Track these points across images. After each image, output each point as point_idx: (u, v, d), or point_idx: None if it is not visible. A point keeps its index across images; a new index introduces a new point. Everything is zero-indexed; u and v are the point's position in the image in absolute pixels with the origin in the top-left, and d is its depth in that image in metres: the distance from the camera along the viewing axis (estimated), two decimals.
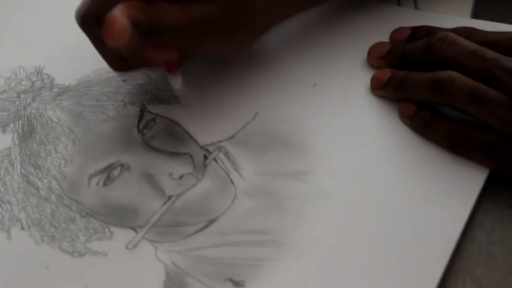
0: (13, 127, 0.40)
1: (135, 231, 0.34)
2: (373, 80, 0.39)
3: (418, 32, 0.40)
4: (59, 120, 0.40)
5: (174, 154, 0.37)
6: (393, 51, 0.39)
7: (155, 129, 0.39)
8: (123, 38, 0.31)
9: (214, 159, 0.37)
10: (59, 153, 0.38)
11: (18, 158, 0.38)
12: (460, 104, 0.34)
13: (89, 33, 0.36)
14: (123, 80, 0.42)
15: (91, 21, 0.35)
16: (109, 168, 0.37)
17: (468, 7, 0.44)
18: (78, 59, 0.44)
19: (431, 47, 0.36)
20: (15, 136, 0.40)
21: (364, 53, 0.41)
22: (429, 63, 0.36)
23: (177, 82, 0.38)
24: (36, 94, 0.42)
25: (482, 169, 0.34)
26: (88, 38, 0.36)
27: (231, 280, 0.31)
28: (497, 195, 0.34)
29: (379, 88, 0.39)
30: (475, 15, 0.44)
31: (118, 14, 0.31)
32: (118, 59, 0.36)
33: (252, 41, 0.39)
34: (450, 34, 0.36)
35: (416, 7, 0.44)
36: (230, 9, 0.35)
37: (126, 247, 0.33)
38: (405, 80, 0.37)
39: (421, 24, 0.40)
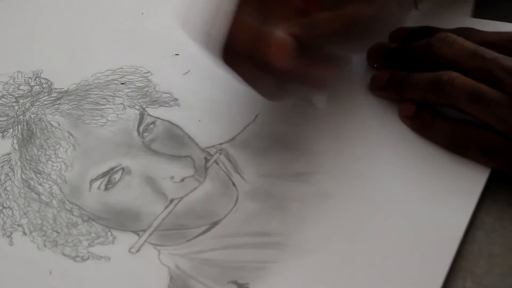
0: (13, 132, 0.40)
1: (138, 235, 0.34)
2: (373, 81, 0.39)
3: (417, 33, 0.40)
4: (58, 125, 0.40)
5: (175, 157, 0.37)
6: (393, 52, 0.39)
7: (155, 132, 0.39)
8: (290, 57, 0.31)
9: (215, 161, 0.37)
10: (59, 157, 0.38)
11: (19, 163, 0.38)
12: (460, 104, 0.34)
13: (241, 69, 0.34)
14: (122, 83, 0.42)
15: (243, 56, 0.33)
16: (110, 172, 0.37)
17: (468, 7, 0.44)
18: (76, 63, 0.44)
19: (431, 47, 0.36)
20: (15, 141, 0.39)
21: (364, 54, 0.41)
22: (429, 63, 0.36)
23: (322, 101, 0.37)
24: (34, 99, 0.42)
25: (483, 169, 0.34)
26: (234, 74, 0.34)
27: (235, 282, 0.31)
28: (498, 194, 0.34)
29: (379, 89, 0.39)
30: (475, 15, 0.44)
31: (283, 34, 0.30)
32: (275, 88, 0.34)
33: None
34: (450, 34, 0.36)
35: (416, 7, 0.44)
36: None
37: (129, 251, 0.33)
38: (405, 80, 0.37)
39: (421, 24, 0.40)
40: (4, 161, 0.38)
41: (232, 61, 0.33)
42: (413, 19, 0.42)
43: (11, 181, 0.37)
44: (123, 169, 0.37)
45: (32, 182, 0.37)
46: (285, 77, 0.33)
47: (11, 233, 0.35)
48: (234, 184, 0.36)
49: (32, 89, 0.43)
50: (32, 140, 0.39)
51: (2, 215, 0.36)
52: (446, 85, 0.34)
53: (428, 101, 0.36)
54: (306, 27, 0.31)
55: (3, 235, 0.35)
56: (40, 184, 0.37)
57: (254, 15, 0.32)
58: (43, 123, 0.40)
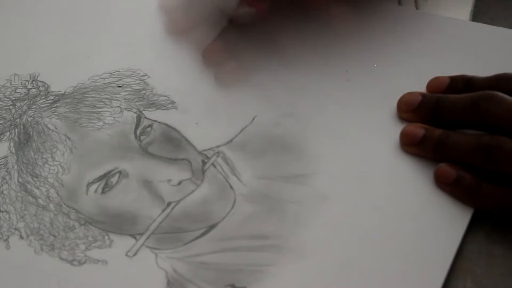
0: (9, 135, 0.40)
1: (135, 238, 0.34)
2: (404, 136, 0.36)
3: (456, 83, 0.37)
4: (55, 128, 0.40)
5: (172, 160, 0.37)
6: (426, 104, 0.37)
7: (153, 135, 0.39)
8: None
9: (213, 164, 0.37)
10: (56, 161, 0.38)
11: (15, 166, 0.38)
12: (510, 169, 0.32)
13: None
14: (119, 86, 0.42)
15: None
16: (107, 175, 0.37)
17: (468, 7, 0.44)
18: (73, 65, 0.44)
19: (477, 107, 0.34)
20: (12, 144, 0.39)
21: (362, 54, 0.41)
22: (468, 121, 0.35)
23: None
24: (31, 102, 0.42)
25: None
26: None
27: (233, 286, 0.31)
28: None
29: (411, 145, 0.36)
30: (475, 15, 0.44)
31: None
32: None
33: None
34: (495, 92, 0.34)
35: (417, 7, 0.44)
36: None
37: (126, 255, 0.33)
38: (445, 141, 0.35)
39: (422, 24, 0.39)
40: (1, 164, 0.38)
41: None
42: (413, 19, 0.42)
43: (8, 185, 0.37)
44: (120, 172, 0.37)
45: (29, 186, 0.37)
46: None
47: (8, 237, 0.35)
48: (231, 187, 0.36)
49: (29, 92, 0.43)
50: (29, 144, 0.39)
51: None
52: (495, 150, 0.32)
53: (472, 163, 0.34)
54: None
55: None
56: (37, 188, 0.37)
57: None
58: (40, 126, 0.40)
